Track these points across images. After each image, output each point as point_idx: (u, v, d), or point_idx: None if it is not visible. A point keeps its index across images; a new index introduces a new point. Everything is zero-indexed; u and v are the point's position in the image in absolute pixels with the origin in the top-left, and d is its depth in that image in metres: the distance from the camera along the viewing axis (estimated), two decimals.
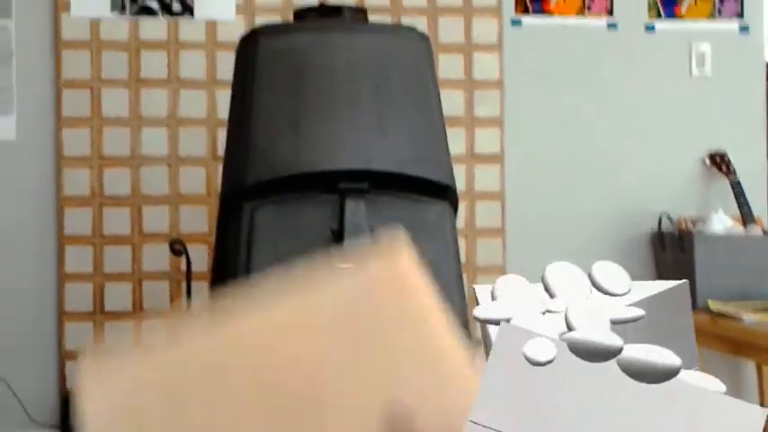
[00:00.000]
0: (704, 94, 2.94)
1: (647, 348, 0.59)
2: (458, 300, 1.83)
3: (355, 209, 1.82)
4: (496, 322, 0.64)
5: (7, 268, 2.64)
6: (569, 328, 0.63)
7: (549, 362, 0.60)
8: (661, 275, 2.69)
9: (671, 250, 2.70)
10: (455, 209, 1.94)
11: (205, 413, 0.57)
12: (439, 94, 1.95)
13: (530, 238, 2.80)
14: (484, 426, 0.60)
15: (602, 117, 2.89)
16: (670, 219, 2.77)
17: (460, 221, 2.55)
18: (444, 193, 1.89)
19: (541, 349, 0.61)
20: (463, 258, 2.52)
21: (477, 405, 0.60)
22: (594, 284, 0.69)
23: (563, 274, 0.69)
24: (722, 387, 0.57)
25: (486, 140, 2.80)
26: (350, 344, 0.62)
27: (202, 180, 2.70)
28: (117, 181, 2.67)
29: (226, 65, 2.63)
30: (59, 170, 2.67)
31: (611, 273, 0.69)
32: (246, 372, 0.58)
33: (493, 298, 0.67)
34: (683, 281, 0.71)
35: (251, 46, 1.90)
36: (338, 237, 1.80)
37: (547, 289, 0.68)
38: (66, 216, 2.65)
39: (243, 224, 1.82)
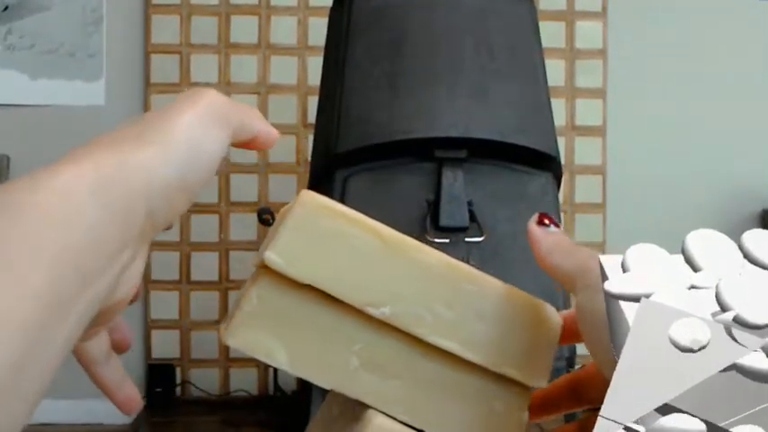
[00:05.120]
0: None
1: None
2: None
3: (453, 179, 1.72)
4: (635, 298, 0.53)
5: None
6: (723, 309, 0.52)
7: (703, 347, 0.50)
8: None
9: None
10: (558, 181, 1.84)
11: None
12: (543, 60, 1.84)
13: (631, 214, 2.68)
14: (618, 422, 0.50)
15: (711, 90, 2.75)
16: None
17: (560, 196, 2.46)
18: (548, 163, 1.79)
19: (692, 332, 0.50)
20: None
21: (610, 397, 0.50)
22: (748, 256, 0.57)
23: (708, 243, 0.58)
24: None
25: (588, 112, 2.69)
26: None
27: (292, 148, 2.64)
28: None
29: (317, 30, 2.56)
30: None
31: None
32: None
33: (624, 270, 0.56)
34: None
35: (345, 5, 1.82)
36: (434, 207, 1.72)
37: (689, 261, 0.56)
38: None
39: (335, 193, 1.75)
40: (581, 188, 2.68)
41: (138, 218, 0.48)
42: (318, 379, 0.54)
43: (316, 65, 2.26)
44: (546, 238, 0.59)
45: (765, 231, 0.59)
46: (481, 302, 0.56)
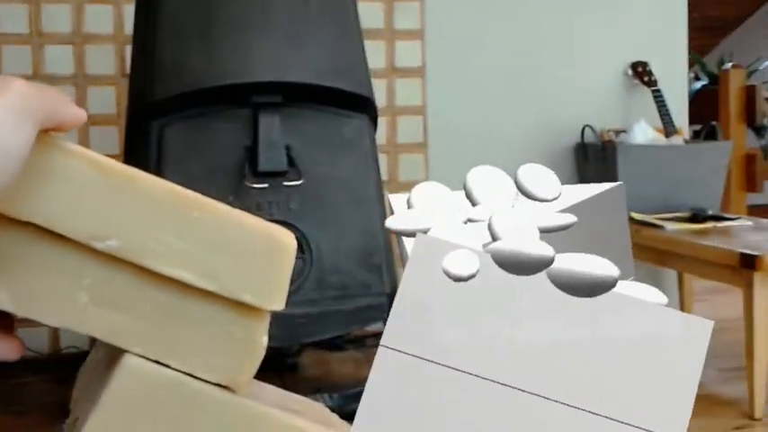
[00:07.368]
0: (625, 3, 2.90)
1: (580, 258, 0.53)
2: (378, 215, 1.78)
3: (269, 124, 1.74)
4: (412, 234, 0.57)
5: None
6: (494, 239, 0.56)
7: (472, 276, 0.54)
8: None
9: (594, 162, 2.68)
10: (374, 122, 1.88)
11: None
12: (356, 3, 1.86)
13: (453, 152, 2.75)
14: (397, 350, 0.54)
15: (523, 29, 2.84)
16: (593, 130, 2.75)
17: (382, 137, 2.49)
18: (363, 105, 1.82)
19: (463, 262, 0.54)
20: (386, 175, 2.47)
21: (390, 327, 0.54)
22: (521, 189, 0.61)
23: (487, 178, 0.62)
24: (664, 299, 0.51)
25: (407, 53, 2.73)
26: None
27: (112, 99, 2.59)
28: None
29: None
30: None
31: (539, 176, 0.62)
32: None
33: (409, 207, 0.59)
34: (619, 183, 0.65)
35: None
36: (252, 153, 1.73)
37: (469, 196, 0.60)
38: None
39: (151, 143, 1.74)
40: (403, 129, 2.73)
41: None
42: (46, 317, 0.54)
43: (132, 13, 2.21)
44: None
45: (539, 166, 0.64)
46: (214, 231, 0.56)
